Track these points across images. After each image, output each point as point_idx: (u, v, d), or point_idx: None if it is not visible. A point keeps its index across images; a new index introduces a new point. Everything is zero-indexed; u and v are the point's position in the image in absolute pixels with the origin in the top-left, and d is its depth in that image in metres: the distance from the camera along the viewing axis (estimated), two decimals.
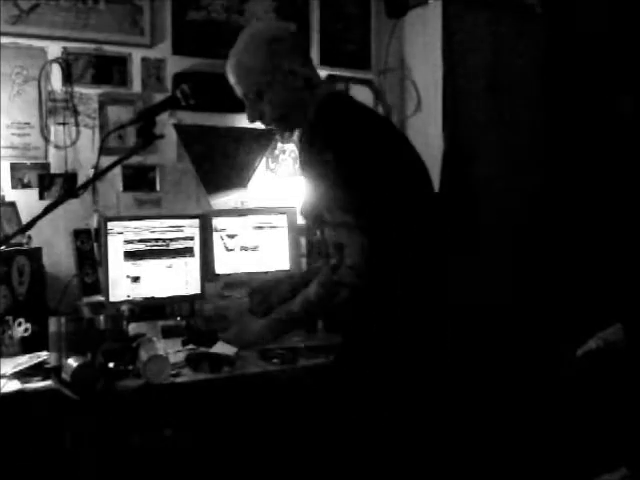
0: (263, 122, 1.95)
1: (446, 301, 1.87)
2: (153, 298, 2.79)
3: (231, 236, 2.99)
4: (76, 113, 2.88)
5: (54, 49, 2.85)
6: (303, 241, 3.24)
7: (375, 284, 1.70)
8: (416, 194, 1.86)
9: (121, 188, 2.97)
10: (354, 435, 1.83)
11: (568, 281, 2.92)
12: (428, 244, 1.84)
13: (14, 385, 2.15)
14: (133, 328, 2.56)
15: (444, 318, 1.86)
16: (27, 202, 2.75)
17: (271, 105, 1.88)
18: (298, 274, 2.33)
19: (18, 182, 2.79)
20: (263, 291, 2.18)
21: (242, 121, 3.22)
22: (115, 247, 2.72)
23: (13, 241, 2.45)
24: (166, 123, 2.98)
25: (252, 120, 1.95)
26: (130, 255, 2.75)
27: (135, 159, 2.93)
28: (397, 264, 1.74)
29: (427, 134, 3.44)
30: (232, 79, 1.92)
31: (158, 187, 3.05)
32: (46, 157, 2.84)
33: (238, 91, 1.93)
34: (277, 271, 3.03)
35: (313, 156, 1.77)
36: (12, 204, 2.71)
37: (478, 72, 3.22)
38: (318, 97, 1.87)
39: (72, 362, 2.12)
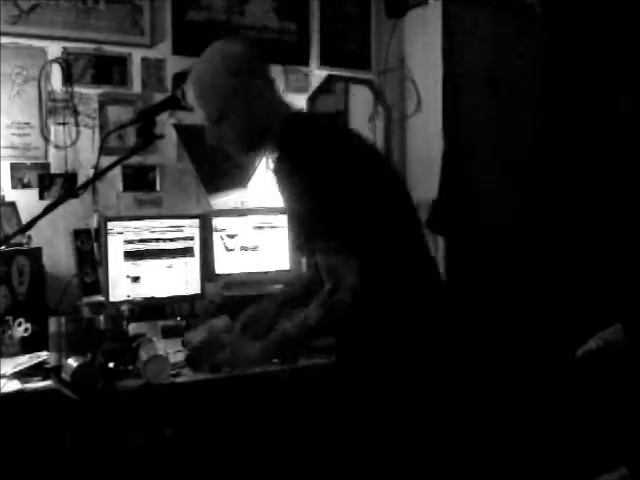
0: (223, 144, 1.86)
1: (444, 301, 1.87)
2: (153, 298, 2.79)
3: (231, 236, 2.99)
4: (76, 113, 2.88)
5: (54, 49, 2.85)
6: None
7: (372, 298, 1.69)
8: (393, 204, 1.84)
9: (121, 188, 2.97)
10: (354, 435, 1.83)
11: (568, 281, 2.92)
12: (414, 248, 1.83)
13: (14, 385, 2.15)
14: (133, 328, 2.56)
15: (443, 319, 1.86)
16: (27, 202, 2.75)
17: (233, 129, 1.81)
18: (282, 292, 2.26)
19: (18, 182, 2.79)
20: (254, 320, 2.13)
21: None
22: (115, 247, 2.72)
23: (13, 241, 2.45)
24: (166, 123, 2.98)
25: (211, 142, 1.86)
26: (130, 255, 2.75)
27: (135, 159, 2.93)
28: (390, 274, 1.74)
29: (427, 134, 3.44)
30: (195, 93, 1.84)
31: (158, 187, 3.04)
32: (46, 157, 2.84)
33: (199, 106, 1.85)
34: (277, 271, 3.04)
35: (286, 181, 1.73)
36: (12, 204, 2.71)
37: (478, 72, 3.22)
38: (282, 117, 1.81)
39: (72, 362, 2.12)
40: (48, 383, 2.18)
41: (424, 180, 3.45)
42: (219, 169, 3.16)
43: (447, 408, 1.86)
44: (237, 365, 2.05)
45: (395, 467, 1.79)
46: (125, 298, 2.71)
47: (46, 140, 2.84)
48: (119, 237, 2.73)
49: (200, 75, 1.82)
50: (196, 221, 2.90)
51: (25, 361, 2.30)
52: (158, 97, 2.96)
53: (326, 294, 1.70)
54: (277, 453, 2.32)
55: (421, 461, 1.82)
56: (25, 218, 2.64)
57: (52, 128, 2.85)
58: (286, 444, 2.31)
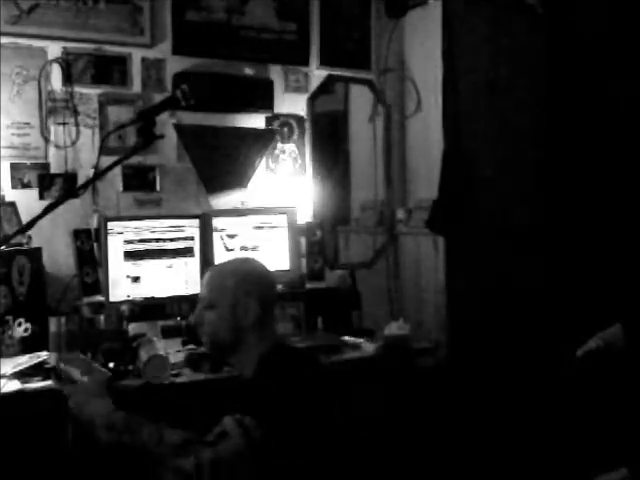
0: (201, 330, 1.87)
1: None
2: (153, 298, 2.79)
3: (231, 236, 2.99)
4: (76, 113, 2.88)
5: (54, 49, 2.85)
6: (303, 241, 3.24)
7: None
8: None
9: (121, 188, 2.97)
10: (354, 435, 1.83)
11: (568, 281, 2.91)
12: None
13: (14, 385, 2.16)
14: (133, 328, 2.56)
15: None
16: (27, 202, 2.75)
17: (211, 323, 1.83)
18: None
19: (18, 182, 2.79)
20: None
21: (242, 121, 3.23)
22: (115, 247, 2.72)
23: (13, 241, 2.45)
24: (166, 123, 2.98)
25: (193, 320, 1.90)
26: (130, 255, 2.75)
27: (135, 159, 2.93)
28: None
29: (427, 134, 3.44)
30: (205, 278, 1.90)
31: (158, 187, 3.04)
32: (46, 157, 2.84)
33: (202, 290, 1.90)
34: (277, 271, 3.04)
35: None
36: (12, 204, 2.71)
37: (478, 72, 3.21)
38: (262, 347, 1.81)
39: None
40: (48, 383, 2.18)
41: (424, 180, 3.45)
42: (219, 169, 3.17)
43: (447, 408, 1.86)
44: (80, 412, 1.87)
45: (397, 466, 1.79)
46: (125, 298, 2.71)
47: (46, 140, 2.84)
48: (119, 237, 2.73)
49: (218, 270, 1.93)
50: (196, 221, 2.90)
51: (25, 361, 2.30)
52: (158, 97, 2.96)
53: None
54: (276, 452, 2.31)
55: (423, 460, 1.82)
56: (25, 218, 2.64)
57: (52, 128, 2.85)
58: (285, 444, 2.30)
